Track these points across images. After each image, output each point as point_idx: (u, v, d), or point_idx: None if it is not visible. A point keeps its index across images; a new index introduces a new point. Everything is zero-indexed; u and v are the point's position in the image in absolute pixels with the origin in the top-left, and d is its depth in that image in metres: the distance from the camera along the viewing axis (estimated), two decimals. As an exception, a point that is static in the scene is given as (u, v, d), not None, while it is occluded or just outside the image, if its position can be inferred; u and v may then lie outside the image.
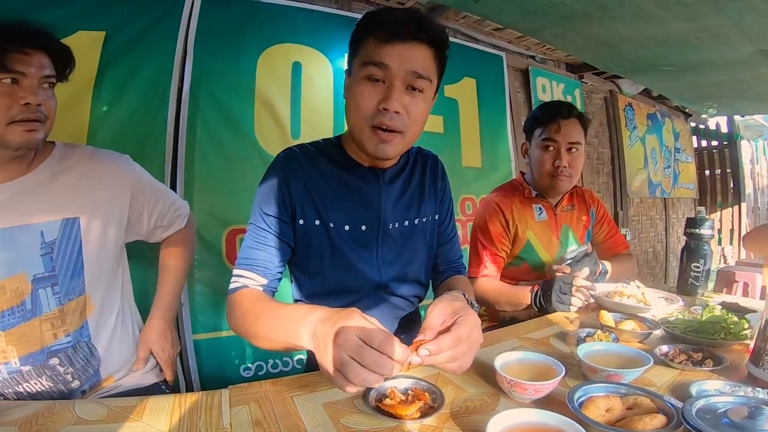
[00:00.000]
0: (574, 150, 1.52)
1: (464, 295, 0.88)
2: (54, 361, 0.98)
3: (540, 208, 1.62)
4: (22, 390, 0.96)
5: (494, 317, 1.64)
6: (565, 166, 1.51)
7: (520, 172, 1.74)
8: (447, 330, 0.71)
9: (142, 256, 1.37)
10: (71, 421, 0.68)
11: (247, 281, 0.93)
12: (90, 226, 1.03)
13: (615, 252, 1.75)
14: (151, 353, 1.18)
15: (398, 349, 0.62)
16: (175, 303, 1.27)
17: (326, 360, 0.63)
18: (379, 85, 0.88)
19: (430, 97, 0.94)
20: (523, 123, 1.74)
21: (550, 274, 1.41)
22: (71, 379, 1.01)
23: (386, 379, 0.77)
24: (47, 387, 0.98)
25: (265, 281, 0.94)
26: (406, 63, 0.86)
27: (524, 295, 1.36)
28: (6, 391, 0.94)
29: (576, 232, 1.68)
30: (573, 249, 1.53)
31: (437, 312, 0.74)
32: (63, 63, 1.01)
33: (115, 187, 1.09)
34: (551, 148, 1.53)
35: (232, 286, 0.94)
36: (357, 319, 0.64)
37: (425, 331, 0.71)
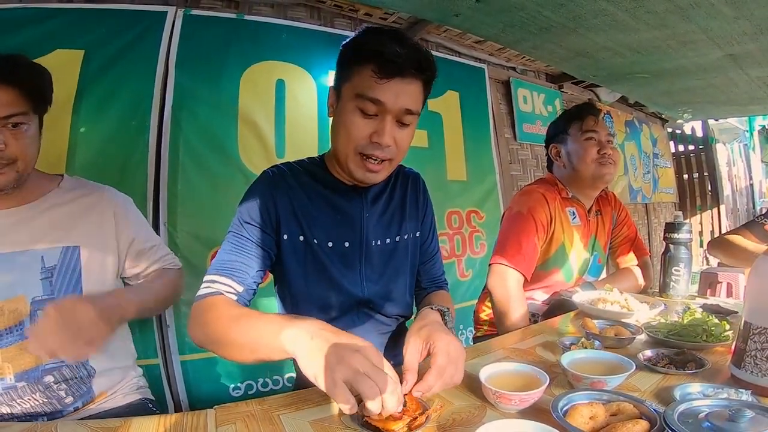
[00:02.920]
0: (611, 143, 1.57)
1: (438, 309, 0.92)
2: (48, 378, 0.99)
3: (573, 212, 1.60)
4: (16, 405, 0.96)
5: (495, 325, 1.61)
6: (609, 153, 1.54)
7: (550, 173, 1.72)
8: (426, 359, 0.77)
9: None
10: (53, 442, 0.66)
11: (221, 287, 0.88)
12: (91, 255, 1.05)
13: (623, 257, 1.74)
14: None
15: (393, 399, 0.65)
16: (125, 308, 1.01)
17: (332, 366, 0.64)
18: (371, 118, 0.89)
19: (415, 125, 0.96)
20: (507, 132, 1.74)
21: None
22: (65, 395, 1.01)
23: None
24: (41, 402, 0.98)
25: (240, 288, 0.89)
26: (401, 100, 0.88)
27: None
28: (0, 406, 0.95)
29: (600, 241, 1.68)
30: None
31: (411, 350, 0.79)
32: (38, 93, 0.97)
33: (115, 224, 1.11)
34: (593, 139, 1.56)
35: (201, 291, 0.88)
36: (367, 343, 0.68)
37: (406, 374, 0.75)
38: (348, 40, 0.94)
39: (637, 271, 1.70)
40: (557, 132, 1.67)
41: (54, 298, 0.98)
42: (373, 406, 0.63)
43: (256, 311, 0.85)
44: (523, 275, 1.45)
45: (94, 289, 1.04)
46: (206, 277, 0.90)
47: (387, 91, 0.87)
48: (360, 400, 0.65)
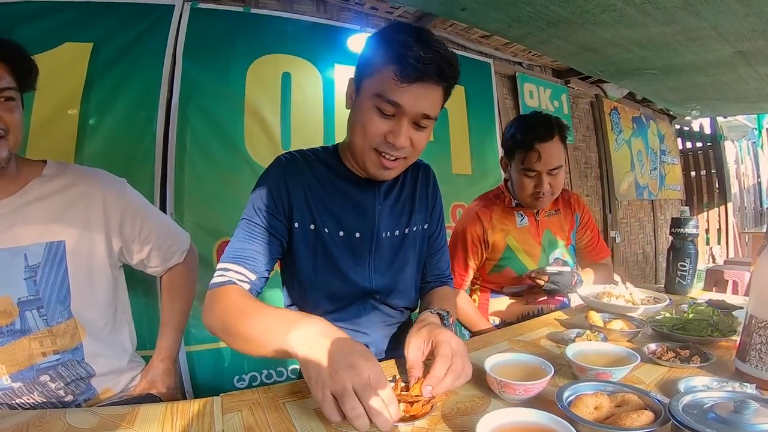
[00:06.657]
0: (555, 172, 1.48)
1: (437, 312, 0.94)
2: (44, 378, 0.97)
3: (521, 215, 1.62)
4: (15, 405, 0.95)
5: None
6: (545, 191, 1.48)
7: (504, 179, 1.73)
8: (429, 357, 0.76)
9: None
10: (62, 429, 0.67)
11: (233, 276, 0.88)
12: (77, 249, 1.00)
13: (594, 259, 1.75)
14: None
15: (394, 407, 0.64)
16: (177, 342, 1.23)
17: (323, 378, 0.64)
18: (388, 118, 0.88)
19: (432, 128, 0.95)
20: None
21: (527, 278, 1.50)
22: (64, 394, 0.99)
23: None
24: (40, 402, 0.97)
25: (253, 277, 0.90)
26: (419, 105, 0.86)
27: (480, 325, 1.54)
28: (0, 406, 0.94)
29: (559, 235, 1.68)
30: (552, 264, 1.58)
31: (413, 349, 0.80)
32: (25, 71, 0.95)
33: (104, 211, 1.04)
34: (532, 175, 1.48)
35: (215, 280, 0.89)
36: (367, 355, 0.67)
37: (412, 370, 0.76)
38: (374, 33, 0.92)
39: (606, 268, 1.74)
40: (506, 149, 1.61)
41: (39, 299, 0.95)
42: (358, 424, 0.61)
43: (266, 306, 0.83)
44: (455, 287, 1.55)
45: (83, 285, 1.01)
46: (219, 265, 0.91)
47: (406, 95, 0.85)
48: None
